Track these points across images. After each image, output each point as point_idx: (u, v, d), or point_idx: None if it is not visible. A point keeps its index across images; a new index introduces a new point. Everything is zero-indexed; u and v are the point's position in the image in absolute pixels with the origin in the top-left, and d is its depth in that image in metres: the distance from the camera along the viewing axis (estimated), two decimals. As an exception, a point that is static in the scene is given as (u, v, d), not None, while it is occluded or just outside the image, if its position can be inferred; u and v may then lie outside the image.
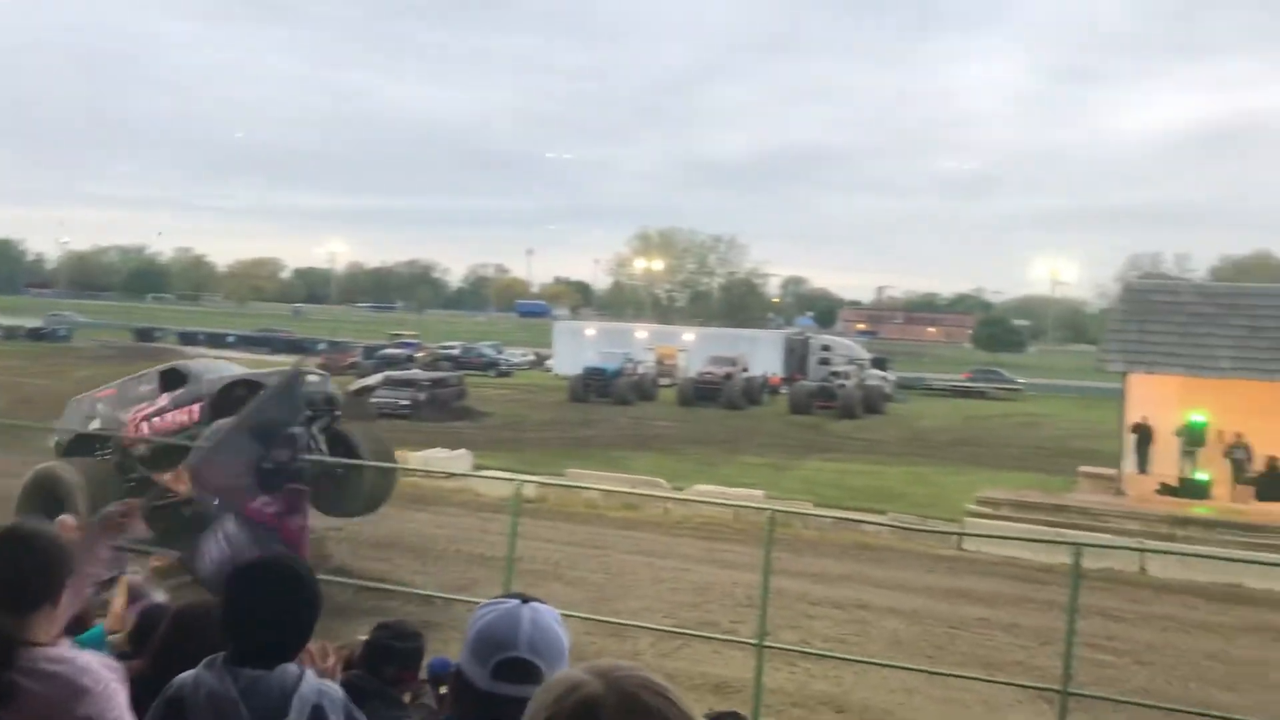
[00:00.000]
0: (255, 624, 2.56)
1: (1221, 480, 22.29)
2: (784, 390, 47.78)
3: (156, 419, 14.58)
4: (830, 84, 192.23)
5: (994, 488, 22.98)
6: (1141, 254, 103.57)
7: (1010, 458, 31.71)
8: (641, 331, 60.35)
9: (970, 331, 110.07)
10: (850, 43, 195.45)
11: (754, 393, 46.26)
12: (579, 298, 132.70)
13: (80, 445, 15.20)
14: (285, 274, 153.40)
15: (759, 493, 20.97)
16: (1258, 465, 22.54)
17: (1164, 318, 23.39)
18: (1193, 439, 22.53)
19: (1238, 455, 22.49)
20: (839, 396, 42.74)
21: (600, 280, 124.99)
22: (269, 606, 2.57)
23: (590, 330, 61.25)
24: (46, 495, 14.21)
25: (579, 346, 54.16)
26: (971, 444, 35.69)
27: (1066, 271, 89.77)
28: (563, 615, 2.11)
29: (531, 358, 64.18)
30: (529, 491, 17.60)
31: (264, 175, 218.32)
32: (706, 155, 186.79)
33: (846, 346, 57.58)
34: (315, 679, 2.60)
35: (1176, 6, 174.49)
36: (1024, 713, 10.17)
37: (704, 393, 43.83)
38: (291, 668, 2.56)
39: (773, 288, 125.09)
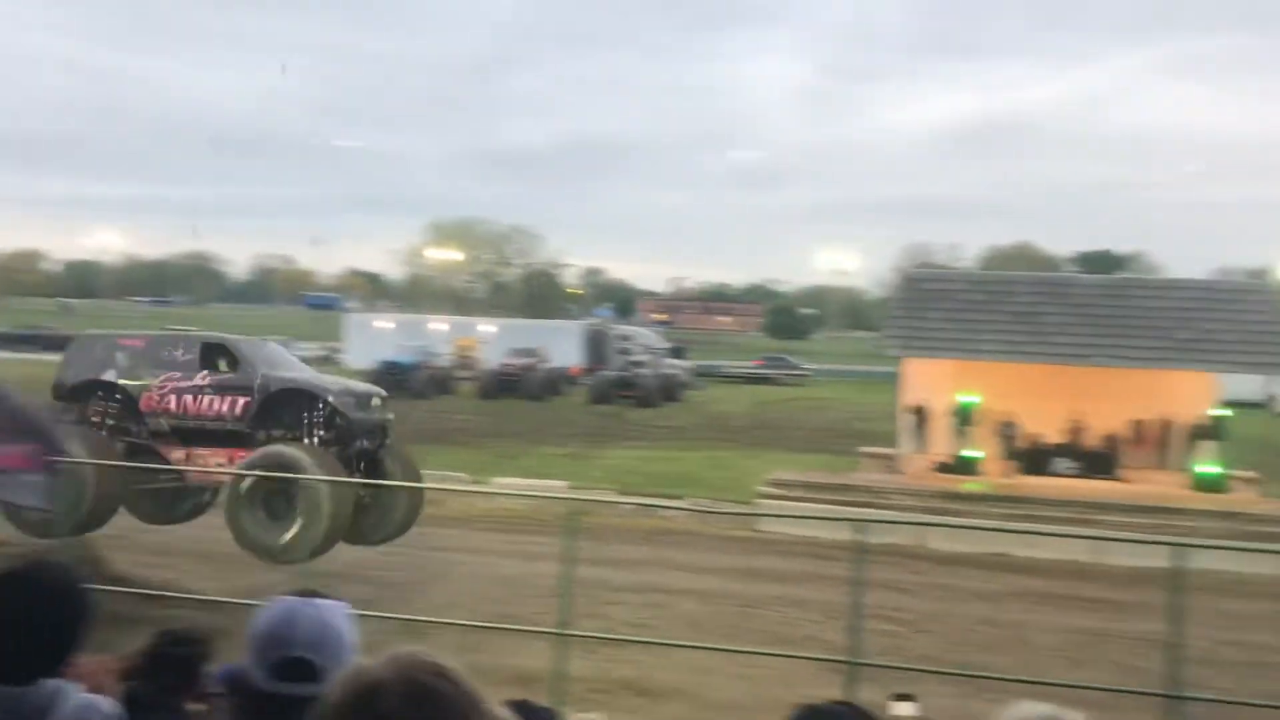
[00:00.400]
0: (11, 637, 2.37)
1: (992, 457, 23.87)
2: (584, 381, 48.10)
3: (189, 396, 13.31)
4: (624, 76, 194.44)
5: (784, 469, 23.86)
6: (916, 244, 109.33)
7: (799, 440, 32.95)
8: (439, 324, 59.47)
9: (761, 320, 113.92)
10: (642, 36, 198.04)
11: (555, 384, 46.39)
12: (372, 289, 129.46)
13: (81, 391, 13.78)
14: (51, 267, 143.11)
15: (561, 483, 21.05)
16: (1024, 442, 24.27)
17: (937, 305, 24.82)
18: (964, 419, 24.01)
19: (1007, 433, 24.15)
20: (638, 385, 43.42)
21: (394, 271, 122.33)
22: (26, 617, 2.39)
23: (385, 323, 59.93)
24: None
25: (373, 340, 52.93)
26: (764, 428, 36.92)
27: (848, 262, 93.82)
28: (361, 615, 2.06)
29: (322, 352, 62.23)
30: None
31: (24, 162, 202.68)
32: (501, 146, 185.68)
33: (645, 336, 58.42)
34: (81, 694, 2.44)
35: (945, 9, 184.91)
36: (816, 685, 10.55)
37: (505, 385, 43.67)
38: (54, 683, 2.39)
39: (571, 279, 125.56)
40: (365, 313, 77.17)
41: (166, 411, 13.41)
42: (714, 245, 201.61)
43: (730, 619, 13.59)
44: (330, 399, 13.35)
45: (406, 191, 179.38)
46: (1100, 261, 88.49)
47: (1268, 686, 11.73)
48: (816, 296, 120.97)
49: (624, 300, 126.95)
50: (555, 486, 20.33)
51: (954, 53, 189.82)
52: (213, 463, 13.25)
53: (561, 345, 52.26)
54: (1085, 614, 14.74)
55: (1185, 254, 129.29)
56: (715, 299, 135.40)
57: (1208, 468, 22.94)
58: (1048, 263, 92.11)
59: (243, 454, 13.23)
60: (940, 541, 17.81)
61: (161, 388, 13.47)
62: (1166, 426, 24.21)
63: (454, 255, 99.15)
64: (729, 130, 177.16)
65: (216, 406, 13.22)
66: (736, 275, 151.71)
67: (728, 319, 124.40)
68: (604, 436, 32.50)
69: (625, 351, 50.85)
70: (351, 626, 1.99)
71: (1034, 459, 24.01)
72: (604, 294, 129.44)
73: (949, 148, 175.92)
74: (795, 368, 63.85)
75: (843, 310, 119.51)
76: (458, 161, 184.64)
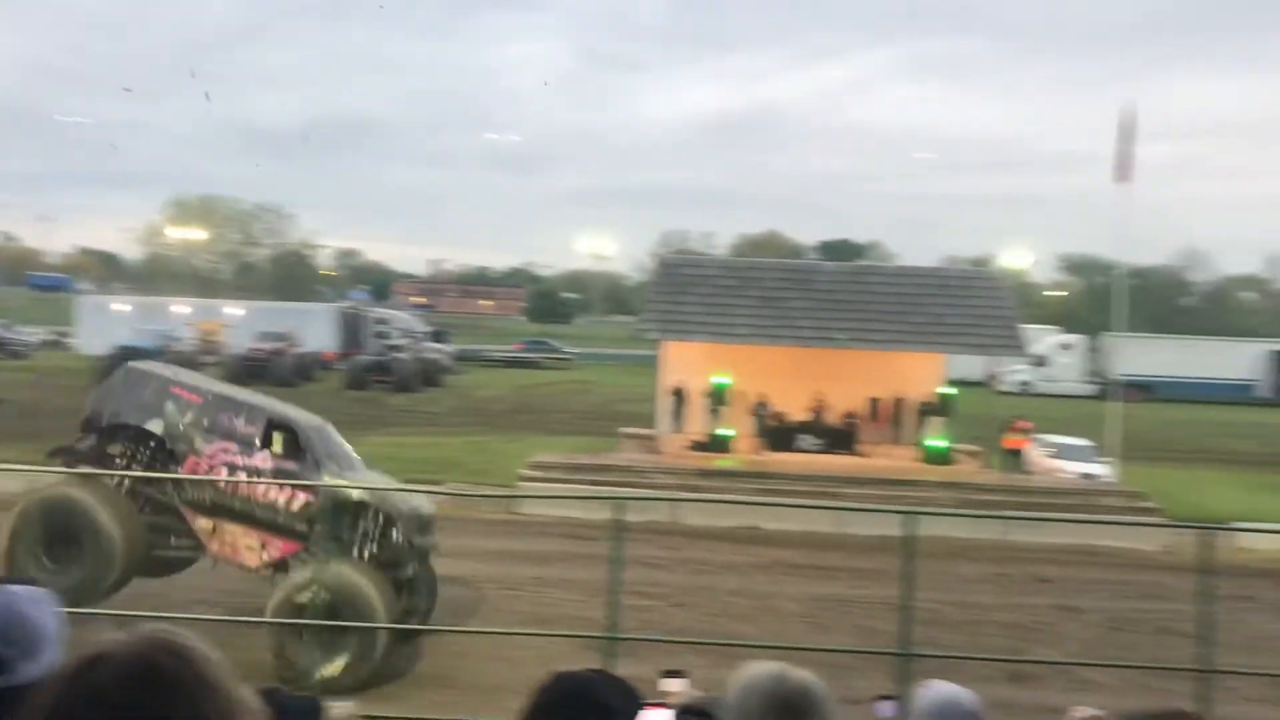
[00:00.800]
0: None
1: (743, 435, 24.90)
2: (339, 365, 46.79)
3: (243, 476, 11.66)
4: (378, 54, 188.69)
5: (545, 452, 24.05)
6: (672, 231, 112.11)
7: (561, 423, 33.27)
8: (181, 306, 56.29)
9: (523, 304, 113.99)
10: (399, 13, 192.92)
11: (307, 369, 44.83)
12: (106, 270, 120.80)
13: (113, 433, 12.38)
14: None
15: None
16: (773, 421, 25.44)
17: (692, 290, 25.64)
18: (718, 399, 24.93)
19: (760, 413, 25.25)
20: (395, 370, 42.59)
21: (131, 251, 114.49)
22: None
23: (121, 305, 56.22)
24: (57, 530, 11.45)
25: (108, 323, 49.57)
26: (525, 412, 37.05)
27: (607, 247, 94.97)
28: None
29: (50, 337, 57.78)
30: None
31: None
32: (247, 120, 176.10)
33: (402, 320, 57.27)
34: None
35: (702, 1, 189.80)
36: (577, 662, 10.72)
37: (252, 370, 41.72)
38: None
39: (324, 260, 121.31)
40: (99, 294, 71.97)
41: (213, 481, 12.03)
42: (474, 228, 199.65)
43: (491, 602, 13.62)
44: (397, 519, 12.10)
45: (143, 166, 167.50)
46: (840, 250, 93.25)
47: (986, 642, 12.86)
48: (578, 281, 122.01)
49: (381, 283, 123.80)
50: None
51: (707, 44, 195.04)
52: (243, 544, 11.94)
53: (314, 329, 50.57)
54: (828, 582, 15.66)
55: (916, 243, 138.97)
56: (476, 282, 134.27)
57: (936, 442, 24.77)
58: (794, 250, 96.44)
59: (281, 544, 11.91)
60: (695, 517, 18.45)
61: (212, 457, 12.08)
62: (900, 404, 25.96)
63: (197, 234, 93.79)
64: (488, 112, 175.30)
65: (272, 495, 11.90)
66: (498, 259, 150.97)
67: (489, 303, 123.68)
68: (360, 423, 31.59)
69: (382, 335, 49.72)
70: (52, 615, 1.87)
71: (781, 436, 25.21)
72: (359, 276, 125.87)
73: (703, 137, 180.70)
74: (557, 351, 64.30)
75: (604, 295, 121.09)
76: (199, 136, 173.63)
